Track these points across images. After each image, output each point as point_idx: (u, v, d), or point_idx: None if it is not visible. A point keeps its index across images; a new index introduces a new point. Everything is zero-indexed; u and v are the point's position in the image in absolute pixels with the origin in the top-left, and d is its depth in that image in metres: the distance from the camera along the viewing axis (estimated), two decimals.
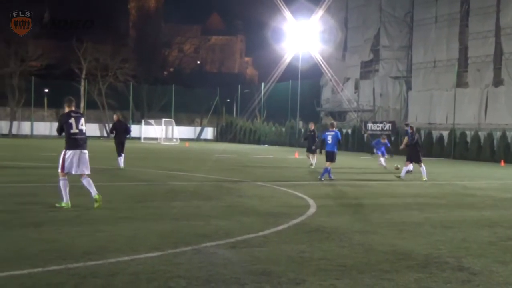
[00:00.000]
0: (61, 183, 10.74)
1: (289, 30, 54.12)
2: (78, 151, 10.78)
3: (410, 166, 21.07)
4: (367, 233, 8.89)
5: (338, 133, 19.05)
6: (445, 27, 45.65)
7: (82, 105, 67.81)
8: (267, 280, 5.95)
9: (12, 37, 61.67)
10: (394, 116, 49.14)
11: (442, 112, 44.61)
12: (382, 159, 24.76)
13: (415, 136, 20.52)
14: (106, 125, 68.22)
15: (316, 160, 24.36)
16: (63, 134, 10.90)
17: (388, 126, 45.22)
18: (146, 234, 8.26)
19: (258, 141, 59.85)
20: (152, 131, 62.39)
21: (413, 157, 20.12)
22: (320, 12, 51.51)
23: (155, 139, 59.41)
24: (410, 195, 14.85)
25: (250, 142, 61.14)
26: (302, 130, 55.08)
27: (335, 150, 18.42)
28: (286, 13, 51.72)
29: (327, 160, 18.27)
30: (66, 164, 10.70)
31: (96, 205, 10.68)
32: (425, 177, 19.46)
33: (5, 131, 62.55)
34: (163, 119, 59.71)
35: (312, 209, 11.34)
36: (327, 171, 18.15)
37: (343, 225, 9.59)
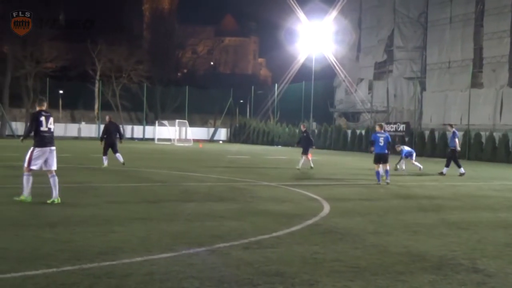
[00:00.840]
0: (25, 178, 11.24)
1: (302, 31, 54.07)
2: (47, 149, 11.36)
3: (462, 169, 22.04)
4: (381, 235, 8.86)
5: (388, 135, 18.62)
6: (459, 28, 45.40)
7: (96, 106, 68.30)
8: (280, 281, 5.94)
9: (27, 38, 62.28)
10: (408, 117, 48.91)
11: (457, 113, 44.33)
12: (416, 163, 24.19)
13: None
14: (120, 126, 68.51)
15: (303, 161, 23.73)
16: (32, 134, 11.45)
17: (402, 127, 45.00)
18: (159, 234, 8.29)
19: (271, 142, 59.85)
20: (165, 132, 62.59)
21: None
22: (333, 13, 51.43)
23: (169, 140, 59.59)
24: (425, 196, 14.76)
25: (263, 143, 61.13)
26: (316, 131, 55.02)
27: (387, 152, 17.80)
28: (300, 14, 51.75)
29: (376, 163, 17.62)
30: (33, 161, 11.16)
31: (49, 201, 11.13)
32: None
33: (21, 132, 62.99)
34: (177, 120, 59.88)
35: (326, 210, 11.32)
36: (377, 173, 17.48)
37: (356, 226, 9.56)
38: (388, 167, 17.97)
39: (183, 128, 63.36)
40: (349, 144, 49.52)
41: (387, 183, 17.32)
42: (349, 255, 7.32)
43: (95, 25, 59.28)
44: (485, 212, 12.01)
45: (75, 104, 71.11)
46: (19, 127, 63.54)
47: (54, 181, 11.31)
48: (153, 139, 63.68)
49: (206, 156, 33.81)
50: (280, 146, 56.12)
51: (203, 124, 76.93)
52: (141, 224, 9.09)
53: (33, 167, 11.19)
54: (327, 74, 60.17)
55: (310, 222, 9.81)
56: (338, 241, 8.25)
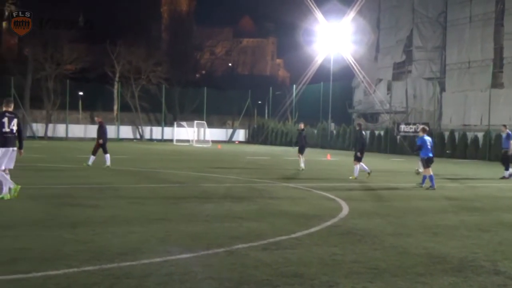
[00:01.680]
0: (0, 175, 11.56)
1: (320, 32, 53.97)
2: (10, 149, 11.59)
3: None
4: (400, 236, 8.81)
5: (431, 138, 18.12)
6: (479, 27, 44.97)
7: (115, 107, 68.80)
8: (299, 282, 5.94)
9: (48, 40, 63.04)
10: (428, 117, 48.56)
11: (477, 113, 43.94)
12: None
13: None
14: (139, 127, 68.94)
15: (302, 160, 23.40)
16: None
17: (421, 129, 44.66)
18: (178, 235, 8.33)
19: (289, 143, 59.79)
20: (184, 133, 62.85)
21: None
22: (352, 14, 51.26)
23: (187, 141, 59.81)
24: (445, 197, 14.65)
25: (281, 144, 61.11)
26: (334, 132, 54.86)
27: (432, 154, 17.19)
28: (318, 14, 51.64)
29: (428, 166, 16.96)
30: (0, 160, 11.46)
31: None
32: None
33: (41, 133, 63.71)
34: (195, 121, 60.12)
35: (344, 211, 11.28)
36: (431, 178, 16.87)
37: (375, 227, 9.52)
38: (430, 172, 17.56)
39: (202, 129, 63.56)
40: (368, 145, 49.21)
41: (421, 187, 16.88)
42: (368, 256, 7.29)
43: (95, 26, 59.77)
44: (507, 214, 11.88)
45: (95, 106, 71.64)
46: (39, 128, 64.26)
47: (5, 178, 11.63)
48: (171, 140, 63.97)
49: (225, 157, 33.88)
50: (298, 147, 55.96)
51: (221, 125, 77.11)
52: (160, 225, 9.14)
53: (2, 167, 11.48)
54: (345, 75, 60.01)
55: (328, 223, 9.79)
56: (357, 242, 8.22)
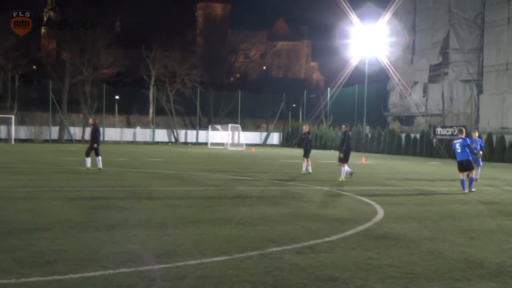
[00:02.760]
0: None
1: (355, 34, 53.62)
2: None
3: None
4: (436, 240, 8.69)
5: (467, 139, 16.85)
6: None
7: (151, 111, 69.58)
8: (333, 286, 5.91)
9: (85, 45, 64.20)
10: (465, 120, 47.83)
11: None
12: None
13: None
14: (174, 131, 69.54)
15: (306, 164, 22.91)
16: None
17: (458, 131, 44.00)
18: (213, 238, 8.37)
19: (324, 146, 59.55)
20: (218, 137, 63.16)
21: None
22: (387, 16, 50.80)
23: (222, 144, 60.07)
24: (482, 202, 14.40)
25: (316, 147, 60.78)
26: (369, 135, 54.43)
27: (467, 157, 16.26)
28: (353, 17, 51.28)
29: (460, 171, 16.45)
30: None
31: None
32: None
33: (79, 137, 64.77)
34: (230, 125, 60.39)
35: (379, 215, 11.18)
36: (471, 180, 16.48)
37: (411, 231, 9.41)
38: (473, 174, 17.07)
39: (236, 133, 63.80)
40: (404, 148, 48.82)
41: (471, 191, 16.36)
42: (404, 260, 7.21)
43: (95, 26, 60.31)
44: None
45: (131, 109, 72.68)
46: (77, 131, 65.39)
47: None
48: (206, 144, 64.36)
49: (259, 160, 33.91)
50: (333, 150, 55.73)
51: (256, 128, 77.26)
52: (194, 228, 9.20)
53: None
54: (380, 78, 59.55)
55: (363, 227, 9.72)
56: (392, 246, 8.14)
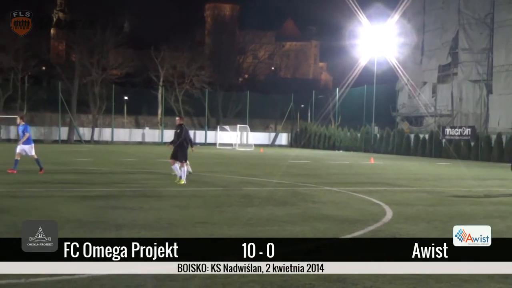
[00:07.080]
0: None
1: (364, 35, 53.52)
2: None
3: None
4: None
5: None
6: None
7: (159, 111, 69.75)
8: (342, 287, 5.90)
9: (95, 46, 64.50)
10: (474, 121, 47.62)
11: None
12: None
13: None
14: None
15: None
16: None
17: (467, 131, 43.80)
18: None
19: (333, 147, 59.48)
20: (227, 137, 63.19)
21: None
22: (396, 16, 50.68)
23: (230, 145, 60.10)
24: (491, 202, 14.33)
25: (324, 147, 60.81)
26: (378, 135, 54.30)
27: None
28: (361, 17, 51.19)
29: None
30: None
31: None
32: None
33: (88, 137, 65.02)
34: (238, 125, 60.40)
35: (388, 216, 11.15)
36: None
37: (420, 232, 9.38)
38: None
39: (244, 133, 63.80)
40: (412, 148, 48.65)
41: None
42: None
43: (95, 25, 60.44)
44: None
45: (139, 110, 72.90)
46: (86, 132, 65.63)
47: None
48: (214, 144, 64.39)
49: (267, 160, 33.90)
50: (341, 151, 55.73)
51: (264, 129, 77.24)
52: (203, 228, 9.21)
53: None
54: (389, 78, 59.39)
55: (372, 228, 9.69)
56: None
